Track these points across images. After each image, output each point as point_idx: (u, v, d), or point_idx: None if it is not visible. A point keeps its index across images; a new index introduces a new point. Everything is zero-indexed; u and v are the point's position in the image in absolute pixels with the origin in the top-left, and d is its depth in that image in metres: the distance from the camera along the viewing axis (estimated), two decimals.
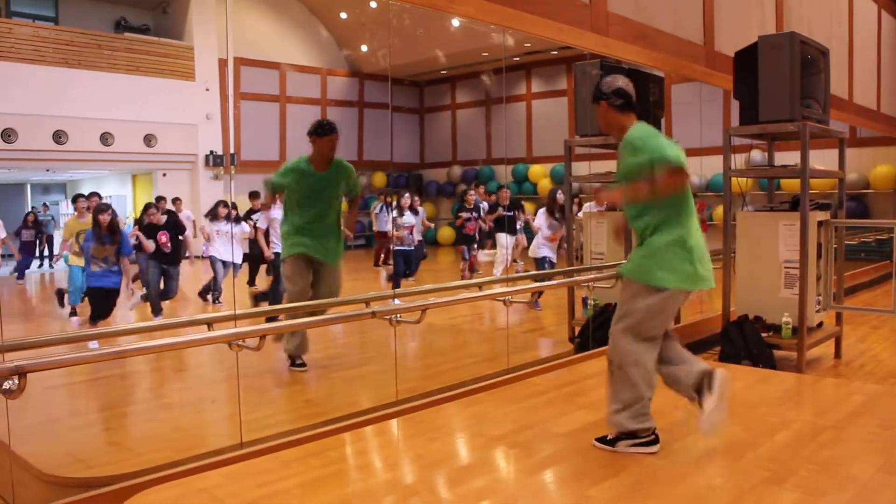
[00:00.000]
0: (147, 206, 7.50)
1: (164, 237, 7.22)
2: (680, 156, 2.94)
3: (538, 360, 4.93)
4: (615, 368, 3.19)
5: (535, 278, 7.10)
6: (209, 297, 8.18)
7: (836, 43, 8.34)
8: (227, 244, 8.12)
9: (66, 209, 12.87)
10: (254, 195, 8.76)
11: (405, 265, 8.90)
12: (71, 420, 4.07)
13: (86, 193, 7.36)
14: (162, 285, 7.34)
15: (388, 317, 3.87)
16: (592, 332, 5.56)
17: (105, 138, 11.19)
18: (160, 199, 8.09)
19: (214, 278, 8.11)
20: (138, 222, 7.51)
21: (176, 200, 9.14)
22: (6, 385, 2.52)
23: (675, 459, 3.01)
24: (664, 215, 3.07)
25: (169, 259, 7.31)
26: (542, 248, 7.76)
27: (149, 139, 11.82)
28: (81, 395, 4.66)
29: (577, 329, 5.98)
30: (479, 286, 4.91)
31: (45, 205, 11.42)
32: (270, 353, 5.07)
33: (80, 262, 6.67)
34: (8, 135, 10.01)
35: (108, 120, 11.16)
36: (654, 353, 3.13)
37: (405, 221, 8.89)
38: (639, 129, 3.13)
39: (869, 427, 3.43)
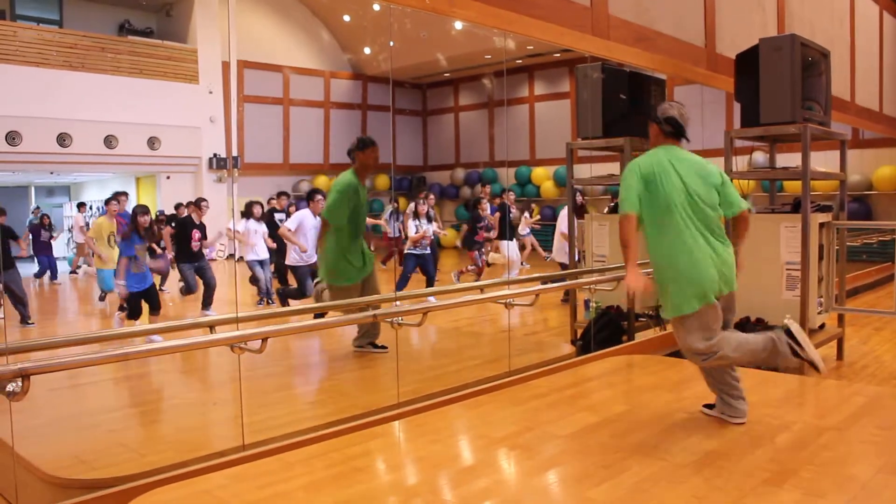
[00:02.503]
0: (200, 200, 7.82)
1: (197, 234, 7.47)
2: (623, 204, 3.32)
3: (540, 363, 4.94)
4: (712, 373, 3.51)
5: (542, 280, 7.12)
6: (265, 300, 8.36)
7: (837, 44, 8.34)
8: (262, 244, 8.36)
9: (69, 211, 12.91)
10: (281, 195, 8.85)
11: (423, 270, 8.92)
12: (74, 421, 4.09)
13: (109, 195, 7.52)
14: (200, 283, 7.56)
15: (389, 319, 3.88)
16: (594, 335, 5.57)
17: (109, 141, 11.21)
18: (203, 199, 8.19)
19: (257, 280, 8.26)
20: (169, 221, 7.69)
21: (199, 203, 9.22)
22: (10, 387, 2.54)
23: (676, 461, 3.02)
24: (649, 243, 3.43)
25: (197, 256, 7.52)
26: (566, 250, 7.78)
27: (152, 142, 11.84)
28: (84, 397, 4.68)
29: (580, 331, 5.99)
30: (481, 289, 4.92)
31: (37, 208, 11.45)
32: (272, 355, 5.09)
33: (109, 265, 6.79)
34: (12, 137, 10.03)
35: (111, 122, 11.18)
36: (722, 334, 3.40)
37: (425, 228, 8.89)
38: (635, 161, 3.46)
39: (869, 428, 3.43)
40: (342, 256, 4.94)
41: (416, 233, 8.65)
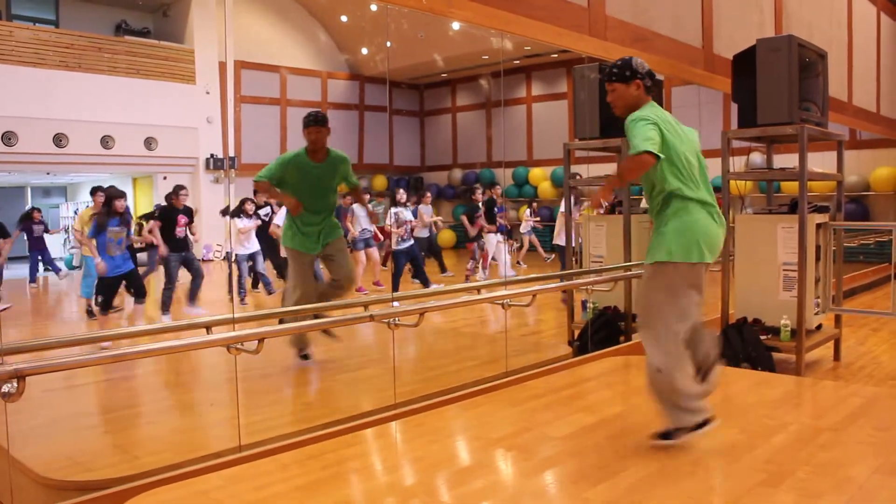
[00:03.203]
0: (178, 188, 7.70)
1: (183, 220, 7.36)
2: (645, 143, 2.93)
3: (537, 364, 4.93)
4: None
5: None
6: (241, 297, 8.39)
7: (835, 45, 8.35)
8: (253, 239, 8.47)
9: (66, 212, 12.88)
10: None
11: (412, 263, 8.90)
12: (69, 423, 4.08)
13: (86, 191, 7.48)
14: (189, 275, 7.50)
15: (386, 320, 3.88)
16: (592, 335, 5.57)
17: (105, 141, 11.19)
18: (181, 187, 8.14)
19: (240, 276, 8.28)
20: (149, 216, 7.65)
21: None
22: (5, 388, 2.53)
23: (672, 462, 3.02)
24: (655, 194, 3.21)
25: (184, 245, 7.44)
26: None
27: (149, 142, 11.82)
28: (80, 398, 4.66)
29: (577, 332, 5.98)
30: (478, 289, 4.92)
31: (37, 210, 11.40)
32: (269, 356, 5.07)
33: (92, 252, 6.73)
34: (8, 138, 10.00)
35: (108, 123, 11.16)
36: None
37: (403, 217, 8.91)
38: (638, 112, 3.17)
39: (867, 429, 3.43)
40: (294, 225, 4.96)
41: (394, 221, 8.69)
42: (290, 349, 5.09)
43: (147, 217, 7.86)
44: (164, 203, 7.66)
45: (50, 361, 2.81)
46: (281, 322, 4.28)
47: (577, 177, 6.50)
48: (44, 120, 10.39)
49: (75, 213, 10.05)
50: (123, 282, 6.28)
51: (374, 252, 9.12)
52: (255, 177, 4.94)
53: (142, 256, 7.83)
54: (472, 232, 10.24)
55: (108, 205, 6.18)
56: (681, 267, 3.08)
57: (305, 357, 5.07)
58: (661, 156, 2.98)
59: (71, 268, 10.76)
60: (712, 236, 3.13)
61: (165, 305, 7.30)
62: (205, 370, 5.44)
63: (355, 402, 4.34)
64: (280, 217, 7.45)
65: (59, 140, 10.61)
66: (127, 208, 6.37)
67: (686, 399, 3.10)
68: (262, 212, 8.83)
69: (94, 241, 6.27)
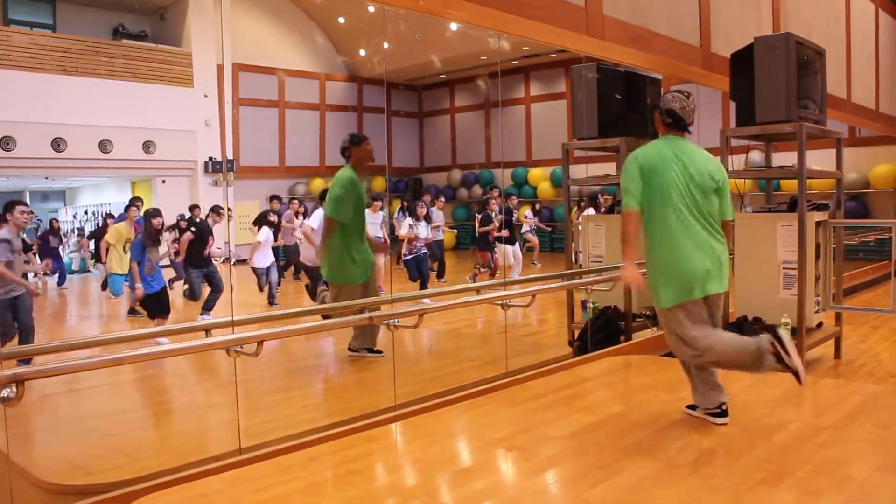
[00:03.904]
0: (218, 208, 7.85)
1: (212, 241, 7.46)
2: (626, 198, 3.32)
3: (537, 364, 4.93)
4: (696, 371, 3.50)
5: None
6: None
7: (833, 43, 8.35)
8: (268, 252, 8.41)
9: (65, 216, 12.87)
10: (273, 198, 8.83)
11: (419, 272, 8.89)
12: (69, 426, 4.07)
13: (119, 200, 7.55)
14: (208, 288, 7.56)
15: (386, 321, 3.87)
16: (592, 335, 5.56)
17: (104, 145, 11.18)
18: (195, 207, 8.19)
19: (263, 286, 8.27)
20: (189, 226, 7.71)
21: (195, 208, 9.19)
22: (4, 393, 2.52)
23: (673, 461, 3.01)
24: (645, 233, 3.43)
25: (209, 261, 7.53)
26: None
27: (147, 146, 11.81)
28: (79, 402, 4.66)
29: (577, 332, 5.98)
30: (478, 290, 4.91)
31: (30, 212, 11.39)
32: (268, 358, 5.07)
33: (122, 269, 6.78)
34: (6, 143, 10.00)
35: (106, 127, 11.16)
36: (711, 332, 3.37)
37: (420, 232, 8.87)
38: (635, 152, 3.45)
39: (867, 427, 3.43)
40: (347, 255, 4.84)
41: (406, 231, 8.64)
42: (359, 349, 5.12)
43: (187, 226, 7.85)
44: (195, 214, 7.72)
45: (49, 366, 2.81)
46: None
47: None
48: (42, 124, 10.38)
49: (74, 217, 10.06)
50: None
51: (380, 259, 9.03)
52: (336, 217, 4.83)
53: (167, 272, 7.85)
54: (491, 236, 10.21)
55: (147, 224, 6.25)
56: (674, 311, 3.35)
57: (377, 352, 5.09)
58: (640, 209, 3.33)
59: (71, 272, 10.77)
60: (691, 272, 3.29)
61: (204, 307, 7.42)
62: (205, 373, 5.43)
63: (356, 403, 4.33)
64: (315, 219, 7.07)
65: (57, 144, 10.61)
66: (162, 224, 6.48)
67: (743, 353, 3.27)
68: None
69: (136, 265, 6.35)
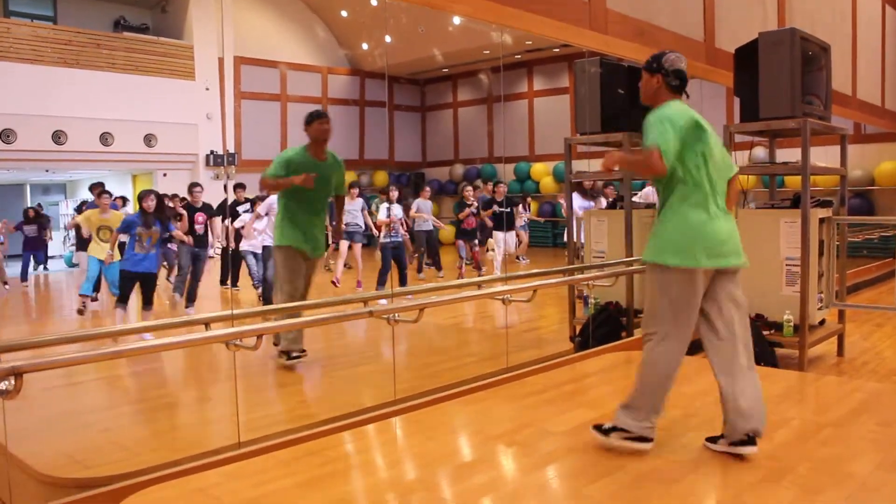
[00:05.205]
0: (192, 186, 7.85)
1: (201, 217, 7.47)
2: (662, 144, 2.86)
3: (538, 359, 4.91)
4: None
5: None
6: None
7: (839, 38, 8.29)
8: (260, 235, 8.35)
9: (65, 209, 12.87)
10: (238, 187, 8.77)
11: (396, 260, 8.79)
12: (67, 420, 4.07)
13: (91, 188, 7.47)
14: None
15: (385, 316, 3.86)
16: (593, 331, 5.54)
17: (105, 138, 11.18)
18: (195, 184, 8.13)
19: (251, 272, 8.22)
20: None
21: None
22: (2, 385, 2.51)
23: (674, 457, 2.99)
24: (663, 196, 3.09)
25: (201, 242, 7.52)
26: None
27: (149, 139, 11.81)
28: (77, 395, 4.65)
29: (578, 328, 5.96)
30: (479, 285, 4.89)
31: (39, 205, 11.39)
32: (268, 352, 5.06)
33: (102, 253, 6.70)
34: (7, 135, 10.01)
35: (107, 120, 11.15)
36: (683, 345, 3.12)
37: (395, 214, 8.83)
38: (659, 110, 3.04)
39: (869, 425, 3.41)
40: (287, 219, 4.91)
41: (386, 217, 8.62)
42: (276, 349, 4.99)
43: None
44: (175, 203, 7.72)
45: (47, 359, 2.79)
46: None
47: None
48: (42, 117, 10.38)
49: (75, 210, 10.03)
50: (138, 282, 6.18)
51: (357, 248, 8.87)
52: (263, 174, 4.90)
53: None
54: (465, 225, 10.23)
55: (141, 205, 6.15)
56: (674, 272, 2.97)
57: (300, 354, 4.94)
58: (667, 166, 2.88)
59: (70, 266, 10.76)
60: (714, 239, 2.99)
61: (187, 297, 7.39)
62: (204, 367, 5.43)
63: (355, 398, 4.32)
64: (263, 206, 7.29)
65: (58, 137, 10.61)
66: (162, 203, 6.37)
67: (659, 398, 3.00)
68: (241, 208, 8.69)
69: (118, 234, 6.32)
